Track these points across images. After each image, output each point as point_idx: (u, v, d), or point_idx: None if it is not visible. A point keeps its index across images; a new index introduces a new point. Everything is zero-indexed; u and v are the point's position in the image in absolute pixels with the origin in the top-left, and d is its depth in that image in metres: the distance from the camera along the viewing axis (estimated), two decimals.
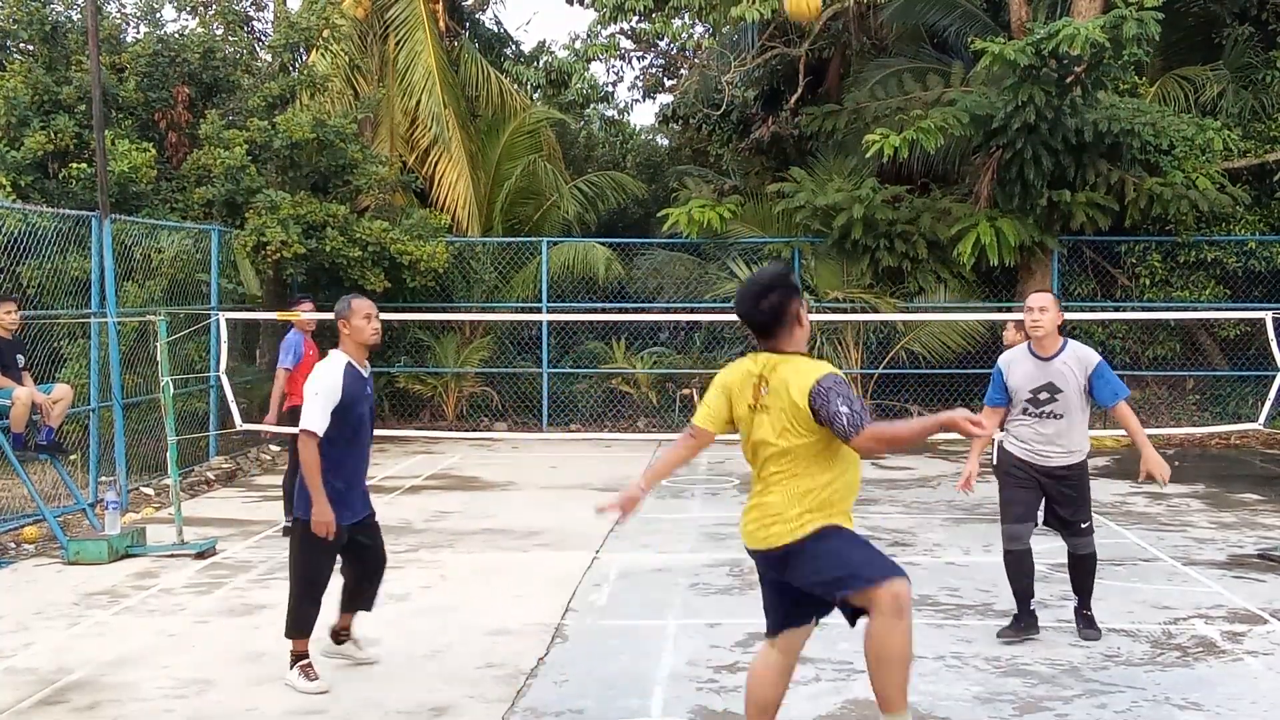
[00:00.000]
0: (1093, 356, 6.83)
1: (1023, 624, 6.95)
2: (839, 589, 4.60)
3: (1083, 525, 6.94)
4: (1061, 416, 6.80)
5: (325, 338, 11.02)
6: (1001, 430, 7.16)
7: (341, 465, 6.09)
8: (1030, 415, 6.83)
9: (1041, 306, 6.71)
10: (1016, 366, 6.89)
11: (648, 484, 4.88)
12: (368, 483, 6.44)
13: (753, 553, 4.79)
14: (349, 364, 6.16)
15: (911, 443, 4.67)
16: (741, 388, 4.72)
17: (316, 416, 5.97)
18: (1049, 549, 9.43)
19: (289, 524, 9.22)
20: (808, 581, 4.66)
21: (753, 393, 4.68)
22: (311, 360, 9.80)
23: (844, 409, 4.46)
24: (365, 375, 6.24)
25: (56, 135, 13.65)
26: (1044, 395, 6.76)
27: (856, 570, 4.58)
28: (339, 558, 6.32)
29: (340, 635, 6.52)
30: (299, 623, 6.13)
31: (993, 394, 7.02)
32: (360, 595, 6.50)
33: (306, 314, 10.15)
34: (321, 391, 6.00)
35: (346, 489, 6.15)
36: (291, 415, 9.76)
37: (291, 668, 6.10)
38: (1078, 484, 6.98)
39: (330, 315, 6.68)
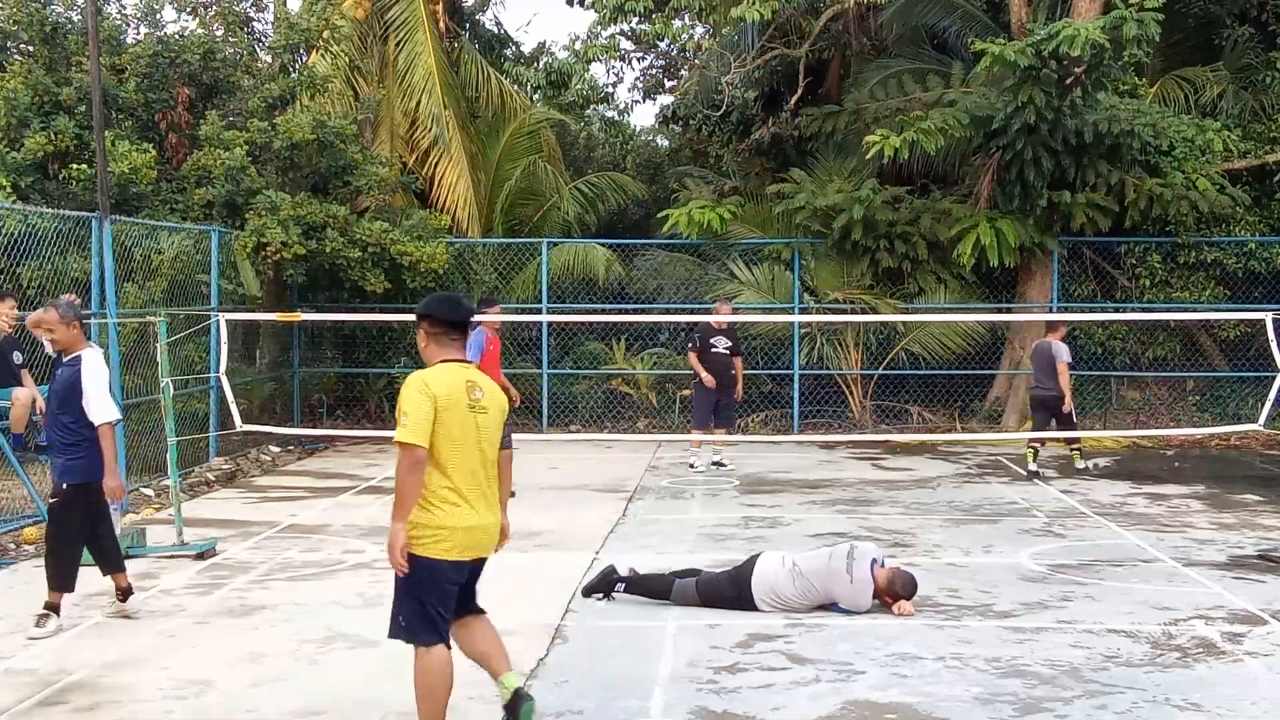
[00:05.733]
0: None
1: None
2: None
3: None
4: None
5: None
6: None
7: None
8: None
9: None
10: None
11: (405, 521, 5.00)
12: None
13: (475, 562, 5.19)
14: None
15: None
16: (454, 392, 5.03)
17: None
18: (1048, 550, 9.43)
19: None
20: (472, 586, 5.32)
21: (470, 395, 5.06)
22: (493, 355, 11.72)
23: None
24: None
25: (56, 136, 13.64)
26: None
27: None
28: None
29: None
30: None
31: None
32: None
33: (497, 316, 12.32)
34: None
35: None
36: None
37: None
38: None
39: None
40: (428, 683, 5.07)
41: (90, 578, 8.45)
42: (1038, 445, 13.34)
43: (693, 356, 13.58)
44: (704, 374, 13.38)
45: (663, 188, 22.98)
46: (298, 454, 15.00)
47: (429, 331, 5.18)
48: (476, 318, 12.03)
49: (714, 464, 13.76)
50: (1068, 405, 13.20)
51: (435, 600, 5.04)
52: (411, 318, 15.68)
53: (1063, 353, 13.21)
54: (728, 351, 13.46)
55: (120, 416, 7.39)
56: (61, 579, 7.25)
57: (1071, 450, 13.83)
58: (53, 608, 7.14)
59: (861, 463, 14.46)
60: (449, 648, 5.12)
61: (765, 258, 17.83)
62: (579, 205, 20.76)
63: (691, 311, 16.95)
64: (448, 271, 16.87)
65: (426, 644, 5.06)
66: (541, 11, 51.07)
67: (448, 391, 4.98)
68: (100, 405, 7.09)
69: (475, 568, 5.21)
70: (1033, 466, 13.17)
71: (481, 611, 5.37)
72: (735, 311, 16.64)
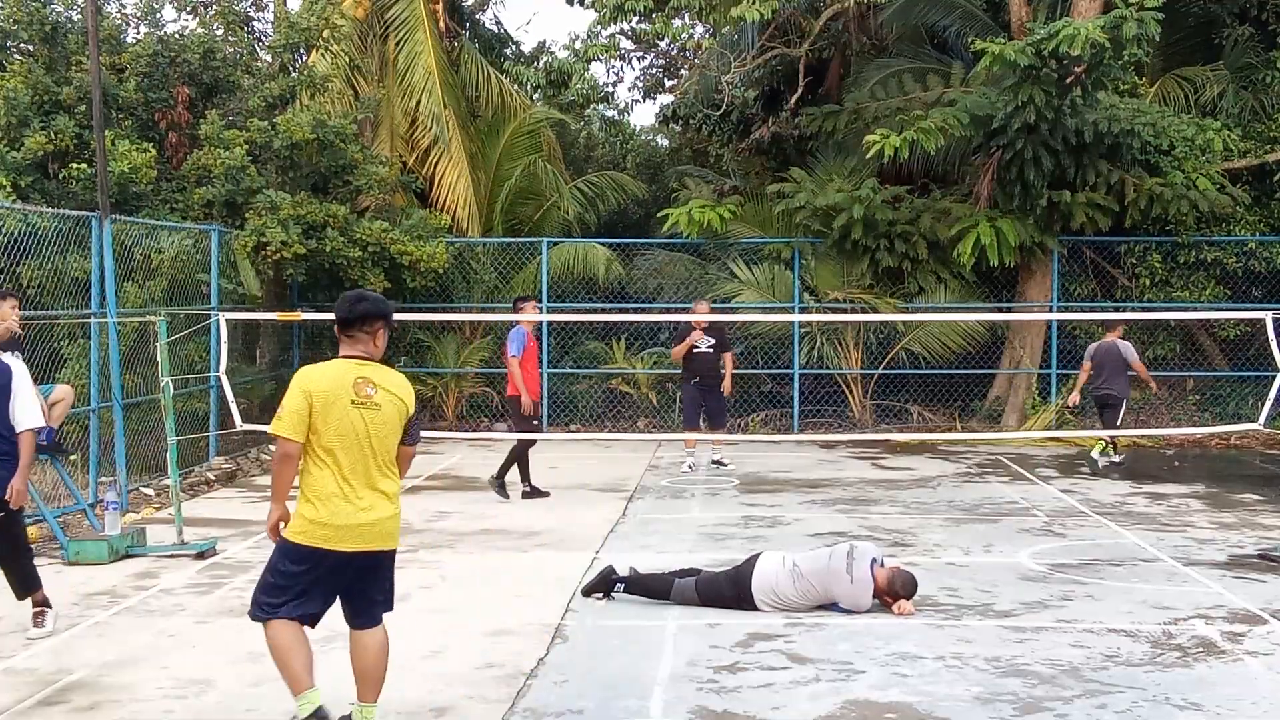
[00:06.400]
0: None
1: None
2: (384, 608, 5.32)
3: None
4: None
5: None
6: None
7: None
8: None
9: None
10: None
11: (281, 504, 5.18)
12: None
13: (359, 554, 5.12)
14: None
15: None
16: (335, 388, 5.09)
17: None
18: (1048, 549, 9.44)
19: (527, 489, 11.79)
20: (372, 589, 5.24)
21: (358, 391, 5.11)
22: (532, 351, 11.92)
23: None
24: None
25: (56, 136, 13.63)
26: None
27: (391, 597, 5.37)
28: None
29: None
30: None
31: None
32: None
33: (534, 315, 12.41)
34: None
35: None
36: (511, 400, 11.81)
37: None
38: None
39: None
40: (274, 657, 5.18)
41: (90, 578, 8.47)
42: (1111, 442, 13.95)
43: (675, 350, 13.78)
44: (685, 344, 13.41)
45: (663, 187, 22.98)
46: None
47: (336, 330, 5.32)
48: (515, 316, 12.14)
49: (714, 463, 13.77)
50: (1154, 387, 14.42)
51: (300, 584, 5.10)
52: (411, 318, 15.72)
53: (1131, 350, 13.72)
54: (711, 350, 13.43)
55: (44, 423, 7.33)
56: (35, 578, 7.21)
57: (1104, 444, 13.96)
58: (42, 603, 7.15)
59: (861, 462, 14.46)
60: (297, 621, 5.15)
61: (765, 257, 17.83)
62: (579, 205, 20.75)
63: (691, 311, 16.93)
64: (447, 271, 16.87)
65: (266, 618, 5.14)
66: (541, 11, 51.10)
67: (327, 386, 5.08)
68: (32, 410, 6.99)
69: (364, 563, 5.15)
70: (1104, 461, 13.65)
71: (374, 624, 5.27)
72: (735, 311, 16.67)
